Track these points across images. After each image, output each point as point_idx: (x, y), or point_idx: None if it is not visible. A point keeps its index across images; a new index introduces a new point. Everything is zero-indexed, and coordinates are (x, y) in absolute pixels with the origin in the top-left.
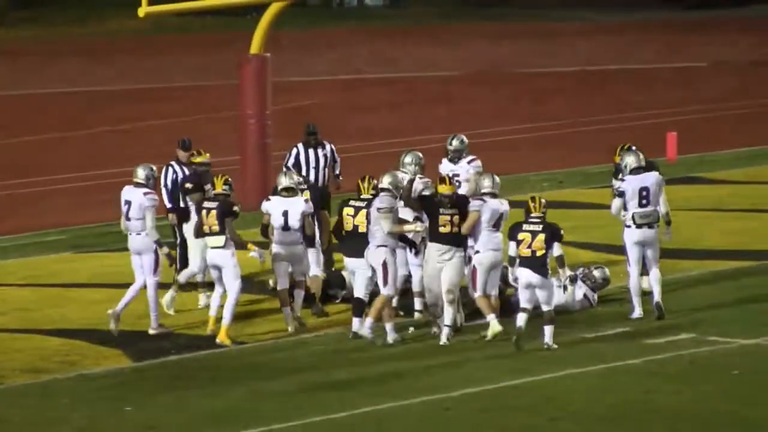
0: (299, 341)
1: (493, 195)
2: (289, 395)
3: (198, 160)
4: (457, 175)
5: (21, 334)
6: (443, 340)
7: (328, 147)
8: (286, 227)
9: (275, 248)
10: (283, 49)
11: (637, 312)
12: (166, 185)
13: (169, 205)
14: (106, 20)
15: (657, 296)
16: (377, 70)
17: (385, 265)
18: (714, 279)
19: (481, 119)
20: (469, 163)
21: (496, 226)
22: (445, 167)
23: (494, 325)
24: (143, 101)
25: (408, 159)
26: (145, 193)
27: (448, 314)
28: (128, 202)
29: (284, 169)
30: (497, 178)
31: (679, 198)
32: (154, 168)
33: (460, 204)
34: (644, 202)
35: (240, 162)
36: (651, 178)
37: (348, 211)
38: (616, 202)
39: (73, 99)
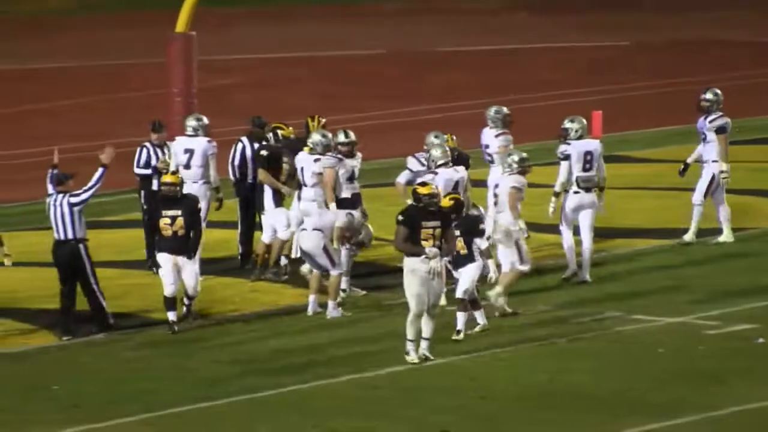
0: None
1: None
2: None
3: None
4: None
5: None
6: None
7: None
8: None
9: None
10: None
11: (572, 269)
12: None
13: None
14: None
15: (586, 273)
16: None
17: None
18: (638, 257)
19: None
20: (497, 136)
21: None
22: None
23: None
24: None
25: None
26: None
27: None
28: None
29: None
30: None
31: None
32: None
33: (443, 215)
34: (587, 166)
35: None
36: (594, 144)
37: None
38: (564, 166)
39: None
